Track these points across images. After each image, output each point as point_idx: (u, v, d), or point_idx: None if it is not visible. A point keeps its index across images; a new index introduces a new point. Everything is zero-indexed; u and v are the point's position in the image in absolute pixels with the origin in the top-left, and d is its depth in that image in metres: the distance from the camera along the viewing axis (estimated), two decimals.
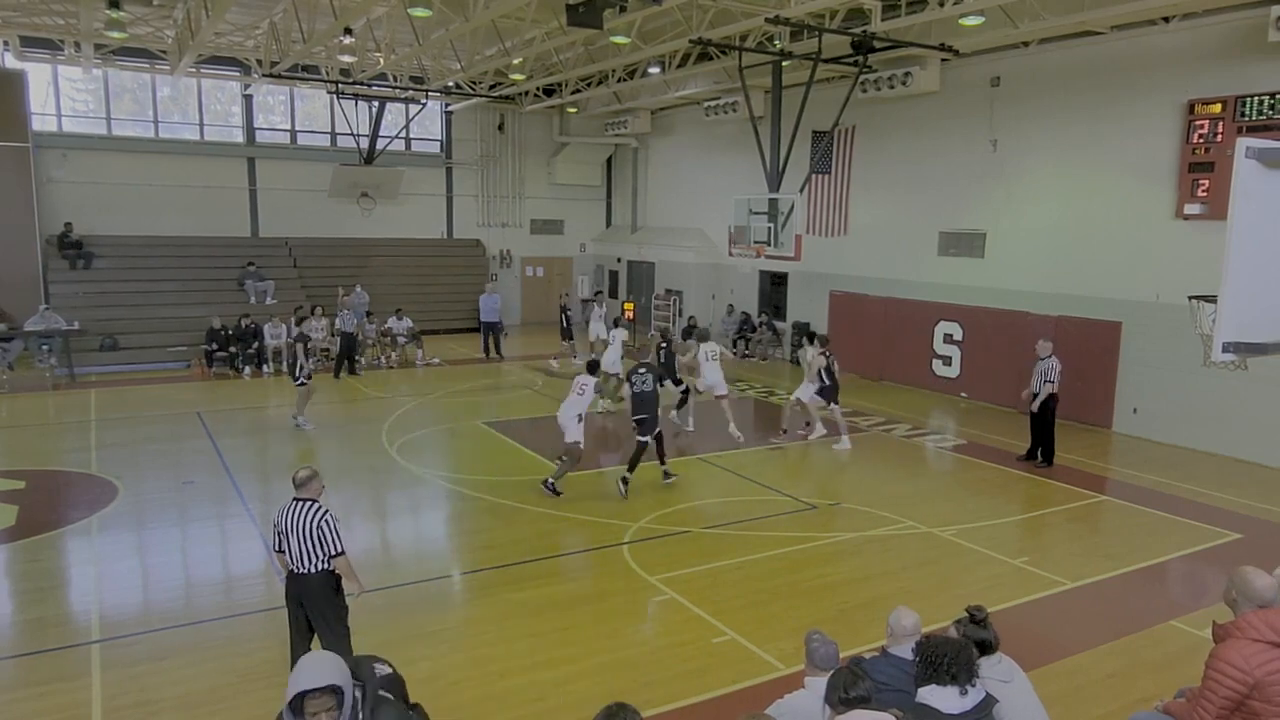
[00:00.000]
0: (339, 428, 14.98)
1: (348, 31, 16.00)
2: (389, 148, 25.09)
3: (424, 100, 24.66)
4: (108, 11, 15.61)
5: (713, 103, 22.13)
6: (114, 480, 11.55)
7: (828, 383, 13.85)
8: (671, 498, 11.28)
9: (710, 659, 7.18)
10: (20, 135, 20.61)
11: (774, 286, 22.97)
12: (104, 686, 6.60)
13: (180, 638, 7.42)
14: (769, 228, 17.08)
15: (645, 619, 8.07)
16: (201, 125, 24.22)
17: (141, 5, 17.51)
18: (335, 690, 3.46)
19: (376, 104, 24.11)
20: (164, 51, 21.03)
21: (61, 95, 22.58)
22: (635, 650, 7.38)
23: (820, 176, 20.28)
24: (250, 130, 24.68)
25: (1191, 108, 13.78)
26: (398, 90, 23.48)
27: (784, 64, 17.53)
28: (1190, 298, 9.96)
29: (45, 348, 18.52)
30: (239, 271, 22.68)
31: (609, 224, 30.17)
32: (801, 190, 18.15)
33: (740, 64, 17.08)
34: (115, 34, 16.75)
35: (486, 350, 21.99)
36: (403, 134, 25.72)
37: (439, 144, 27.54)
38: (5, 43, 20.27)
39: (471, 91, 23.79)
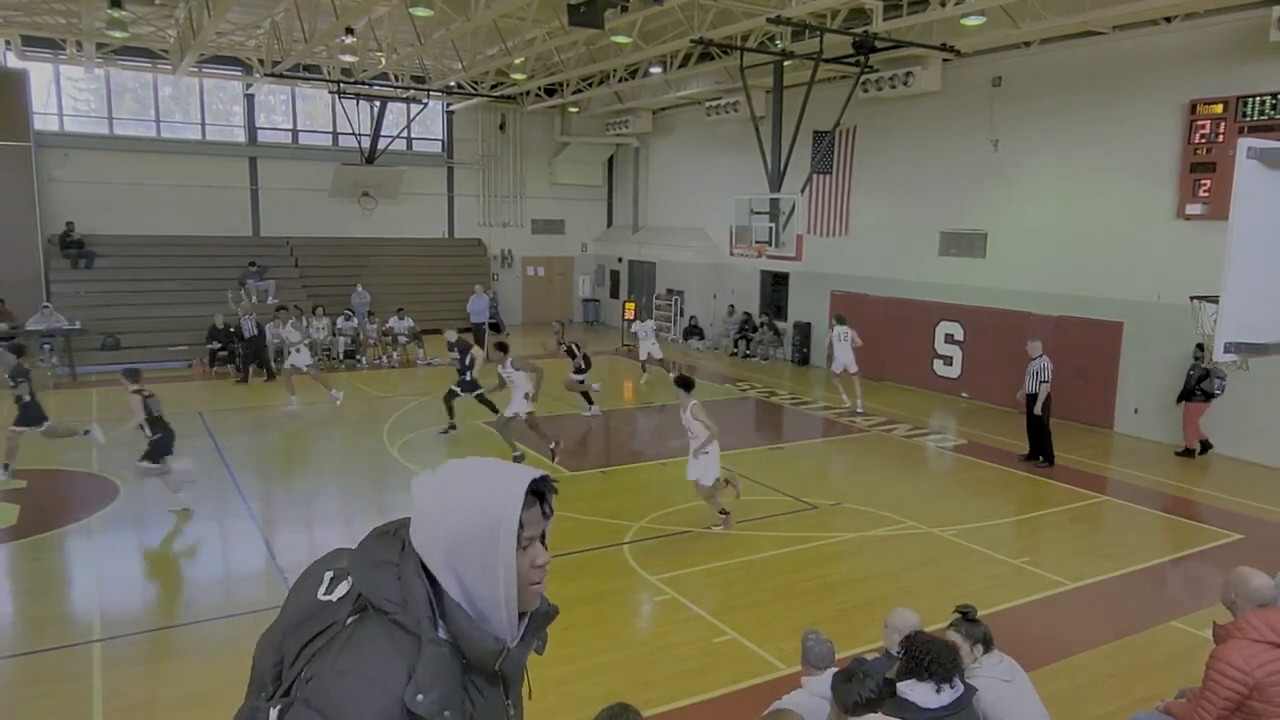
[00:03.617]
0: (340, 427, 14.97)
1: (349, 31, 16.00)
2: (390, 147, 25.09)
3: (425, 100, 24.66)
4: (109, 11, 15.60)
5: (714, 103, 22.12)
6: (115, 480, 11.55)
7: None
8: (672, 497, 11.28)
9: (711, 659, 7.17)
10: (22, 135, 20.60)
11: (775, 286, 22.96)
12: (105, 686, 6.60)
13: (181, 637, 7.43)
14: (770, 228, 17.07)
15: (646, 618, 8.08)
16: (203, 125, 24.23)
17: (143, 4, 17.51)
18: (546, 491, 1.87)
19: (378, 103, 24.10)
20: (165, 51, 21.04)
21: (63, 95, 22.58)
22: (636, 650, 7.37)
23: (821, 176, 20.26)
24: (252, 130, 24.69)
25: (1193, 108, 13.77)
26: (399, 90, 23.47)
27: (785, 64, 17.53)
28: (1192, 298, 10.00)
29: (46, 347, 18.53)
30: (240, 271, 22.66)
31: (610, 224, 30.17)
32: (802, 190, 18.16)
33: (741, 64, 17.08)
34: (117, 33, 16.75)
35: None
36: (404, 134, 25.71)
37: (440, 144, 27.54)
38: (7, 42, 20.27)
39: (473, 91, 23.80)
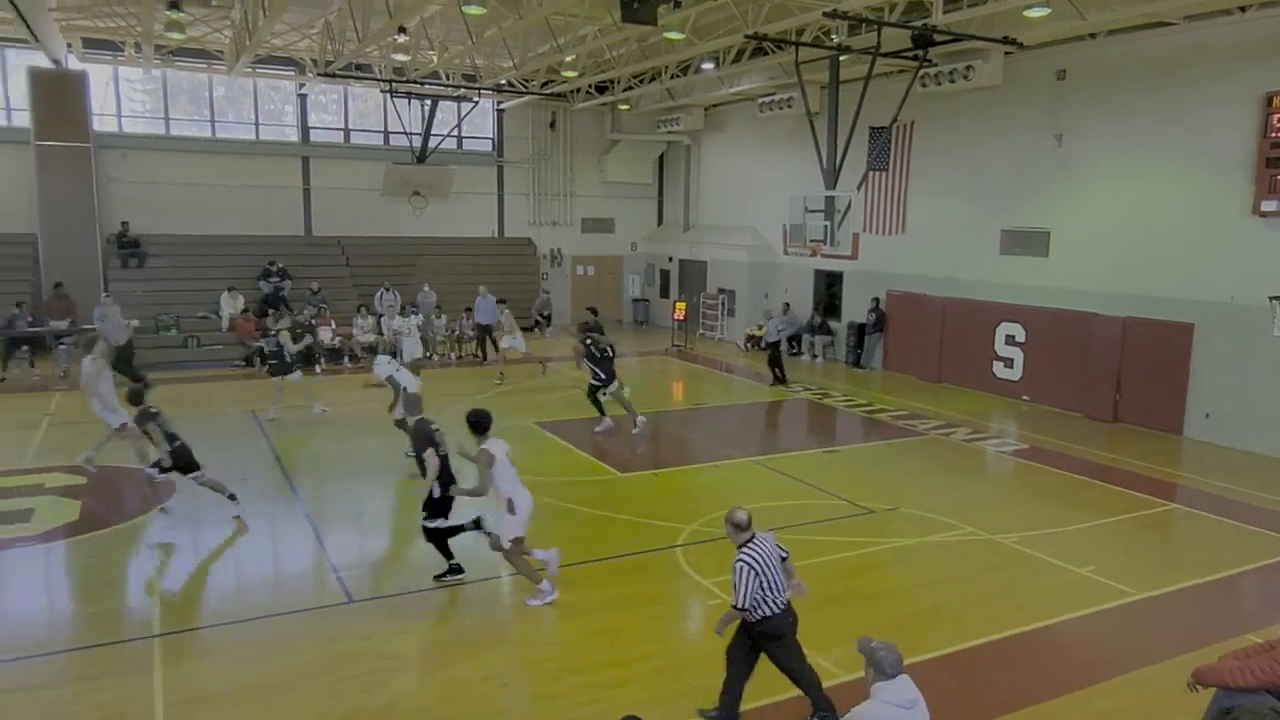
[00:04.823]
0: (389, 424, 14.97)
1: (402, 30, 16.06)
2: (441, 146, 25.20)
3: (476, 98, 24.72)
4: (167, 13, 15.88)
5: (767, 99, 21.84)
6: (171, 477, 11.66)
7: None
8: (726, 500, 11.08)
9: (765, 664, 6.98)
10: (82, 135, 21.07)
11: (829, 286, 22.60)
12: (163, 680, 6.64)
13: (236, 634, 7.45)
14: (825, 226, 16.75)
15: (698, 622, 7.92)
16: (256, 125, 24.60)
17: (200, 6, 17.80)
18: None
19: (429, 102, 24.22)
20: (221, 52, 21.37)
21: (121, 96, 23.05)
22: (689, 654, 7.23)
23: (877, 173, 19.87)
24: (304, 129, 25.02)
25: (1269, 100, 13.19)
26: (450, 88, 23.56)
27: (841, 59, 17.19)
28: (1271, 298, 9.58)
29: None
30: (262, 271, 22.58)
31: (660, 222, 30.00)
32: (858, 188, 17.80)
33: (797, 59, 16.78)
34: (174, 35, 17.05)
35: (484, 353, 21.28)
36: (455, 132, 25.83)
37: (490, 142, 27.63)
38: (69, 45, 20.73)
39: (523, 89, 23.81)
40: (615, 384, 14.17)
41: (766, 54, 18.78)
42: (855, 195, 17.02)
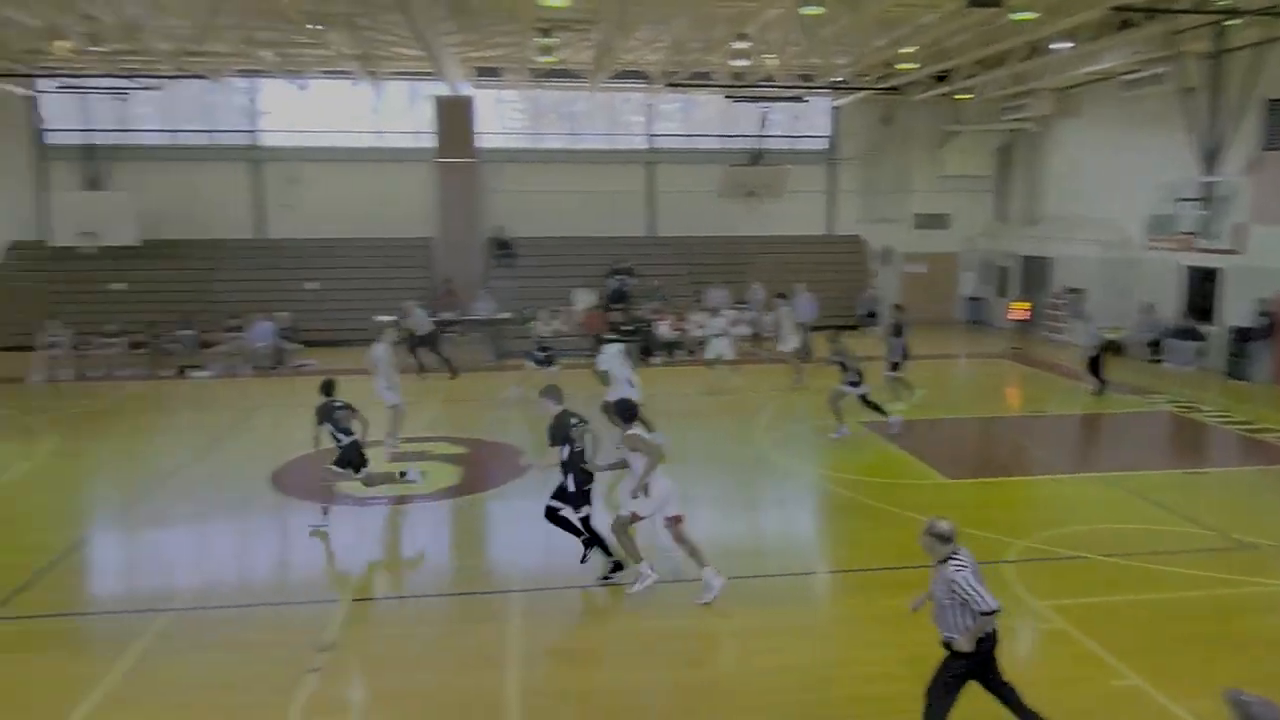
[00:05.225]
0: (721, 417, 15.59)
1: (741, 37, 16.63)
2: (775, 146, 25.74)
3: (810, 98, 24.87)
4: (540, 39, 17.86)
5: (1131, 75, 19.62)
6: (524, 451, 13.09)
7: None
8: (1064, 518, 10.29)
9: (1103, 702, 6.48)
10: (470, 152, 24.30)
11: (1203, 284, 19.81)
12: (522, 631, 7.54)
13: (576, 599, 8.26)
14: (1201, 215, 14.77)
15: (1027, 646, 7.47)
16: (608, 135, 26.82)
17: (565, 30, 19.74)
18: None
19: (765, 105, 24.82)
20: (582, 70, 23.47)
21: (499, 115, 26.30)
22: (1012, 675, 6.85)
23: (1273, 153, 17.07)
24: (650, 137, 26.78)
25: None
26: (785, 89, 23.92)
27: (1229, 24, 15.03)
28: None
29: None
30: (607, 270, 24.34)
31: (999, 216, 28.14)
32: (1247, 171, 15.46)
33: (1172, 29, 14.92)
34: (546, 58, 19.12)
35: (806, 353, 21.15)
36: (789, 132, 26.23)
37: (823, 140, 27.64)
38: (463, 74, 23.94)
39: (858, 85, 23.53)
40: (862, 389, 13.74)
41: (1132, 26, 16.90)
42: (1242, 180, 14.82)
